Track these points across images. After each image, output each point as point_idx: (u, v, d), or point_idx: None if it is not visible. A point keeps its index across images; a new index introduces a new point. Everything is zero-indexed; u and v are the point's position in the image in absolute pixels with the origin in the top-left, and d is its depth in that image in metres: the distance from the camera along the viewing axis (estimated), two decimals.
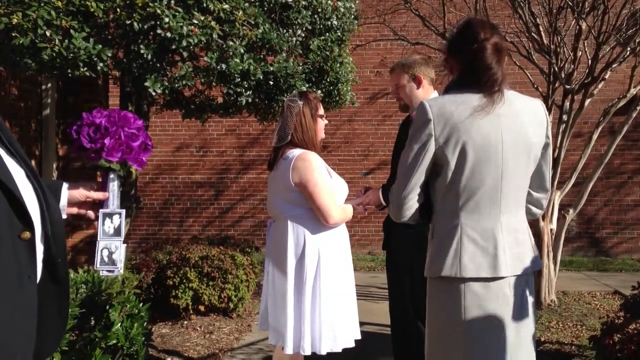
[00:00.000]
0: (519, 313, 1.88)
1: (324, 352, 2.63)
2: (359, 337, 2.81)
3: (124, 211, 1.71)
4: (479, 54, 1.85)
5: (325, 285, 2.65)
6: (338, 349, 2.68)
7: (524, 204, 1.99)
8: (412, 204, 1.92)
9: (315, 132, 2.79)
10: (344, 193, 2.84)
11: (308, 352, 2.62)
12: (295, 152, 2.70)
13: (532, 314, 1.94)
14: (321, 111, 2.84)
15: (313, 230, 2.69)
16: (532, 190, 2.02)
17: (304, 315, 2.62)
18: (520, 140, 1.89)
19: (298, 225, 2.70)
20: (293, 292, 2.66)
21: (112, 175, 1.69)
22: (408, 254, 2.99)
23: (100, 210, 1.68)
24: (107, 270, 1.72)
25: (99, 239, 1.69)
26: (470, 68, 1.88)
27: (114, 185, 1.69)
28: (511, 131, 1.87)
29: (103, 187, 1.68)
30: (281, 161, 2.73)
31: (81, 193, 1.62)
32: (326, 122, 2.88)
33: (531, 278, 1.97)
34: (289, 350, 2.64)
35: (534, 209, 2.07)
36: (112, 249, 1.71)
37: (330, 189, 2.70)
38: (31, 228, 1.25)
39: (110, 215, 1.69)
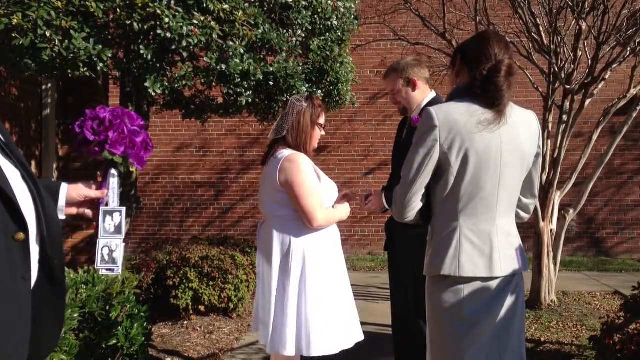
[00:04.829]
0: (511, 310, 2.00)
1: (313, 354, 2.61)
2: (361, 338, 2.79)
3: (124, 209, 1.71)
4: (494, 74, 1.94)
5: (311, 287, 2.63)
6: (334, 351, 2.66)
7: (515, 208, 2.11)
8: (415, 206, 2.02)
9: (311, 136, 2.78)
10: (332, 196, 2.82)
11: (291, 353, 2.61)
12: (284, 153, 2.71)
13: (522, 310, 2.07)
14: (322, 120, 2.83)
15: (299, 232, 2.67)
16: (522, 196, 2.14)
17: (286, 316, 2.61)
18: (516, 150, 2.00)
19: (284, 226, 2.69)
20: (276, 294, 2.65)
21: (112, 171, 1.69)
22: (410, 256, 2.99)
23: (101, 207, 1.68)
24: (107, 269, 1.72)
25: (99, 237, 1.69)
26: (482, 83, 1.96)
27: (114, 182, 1.69)
28: (510, 141, 1.98)
29: (103, 185, 1.68)
30: (272, 159, 2.74)
31: (79, 193, 1.62)
32: (323, 133, 2.87)
33: (521, 277, 2.10)
34: (268, 349, 2.66)
35: (522, 214, 2.20)
36: (112, 247, 1.71)
37: (317, 191, 2.68)
38: (25, 229, 1.25)
39: (110, 213, 1.69)
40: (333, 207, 2.82)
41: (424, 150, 1.95)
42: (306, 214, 2.64)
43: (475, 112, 1.94)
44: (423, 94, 3.10)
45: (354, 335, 2.76)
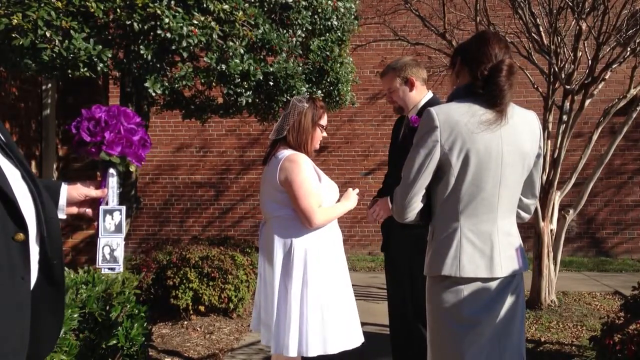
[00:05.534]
0: (511, 310, 2.00)
1: (314, 354, 2.62)
2: (361, 340, 2.78)
3: (124, 208, 1.71)
4: (495, 73, 1.94)
5: (313, 288, 2.64)
6: (333, 351, 2.66)
7: (515, 209, 2.11)
8: (416, 206, 2.02)
9: (312, 137, 2.78)
10: (333, 196, 2.83)
11: (293, 354, 2.62)
12: (285, 153, 2.72)
13: (522, 311, 2.07)
14: (323, 121, 2.84)
15: (300, 232, 2.67)
16: (522, 196, 2.14)
17: (289, 317, 2.62)
18: (517, 150, 2.00)
19: (285, 226, 2.69)
20: (278, 295, 2.65)
21: (111, 171, 1.69)
22: (408, 256, 2.99)
23: (101, 207, 1.68)
24: (109, 268, 1.72)
25: (100, 236, 1.69)
26: (483, 83, 1.96)
27: (113, 182, 1.69)
28: (510, 142, 1.98)
29: (102, 184, 1.68)
30: (273, 159, 2.75)
31: (80, 192, 1.62)
32: (325, 134, 2.87)
33: (521, 278, 2.10)
34: (272, 350, 2.67)
35: (523, 214, 2.20)
36: (113, 246, 1.71)
37: (316, 191, 2.68)
38: (25, 230, 1.24)
39: (110, 212, 1.69)
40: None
41: (424, 151, 1.95)
42: (304, 214, 2.64)
43: (476, 113, 1.94)
44: (420, 94, 3.10)
45: (354, 337, 2.76)
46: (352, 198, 2.87)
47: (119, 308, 2.90)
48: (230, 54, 3.74)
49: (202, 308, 4.83)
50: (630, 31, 5.12)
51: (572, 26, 5.62)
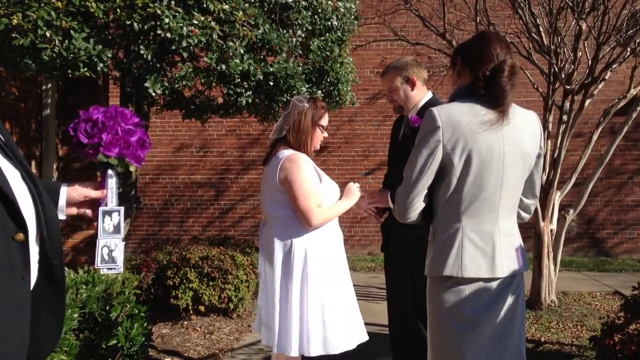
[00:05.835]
0: (511, 310, 2.01)
1: (312, 354, 2.62)
2: (365, 338, 2.79)
3: (122, 208, 1.71)
4: (497, 74, 1.94)
5: (313, 288, 2.64)
6: (334, 352, 2.67)
7: (516, 209, 2.11)
8: (418, 206, 2.02)
9: (311, 137, 2.78)
10: (334, 196, 2.82)
11: (295, 354, 2.62)
12: (285, 153, 2.72)
13: (522, 311, 2.08)
14: (324, 122, 2.83)
15: (300, 232, 2.67)
16: (523, 196, 2.14)
17: (290, 316, 2.62)
18: (518, 150, 2.00)
19: (285, 226, 2.69)
20: (279, 296, 2.66)
21: (110, 172, 1.69)
22: (409, 256, 2.99)
23: (100, 208, 1.68)
24: (108, 269, 1.72)
25: (99, 237, 1.69)
26: (485, 83, 1.96)
27: (112, 183, 1.69)
28: (511, 142, 1.98)
29: (101, 185, 1.68)
30: (273, 159, 2.75)
31: (79, 193, 1.62)
32: (326, 134, 2.87)
33: (522, 278, 2.11)
34: (274, 350, 2.66)
35: (523, 214, 2.21)
36: (111, 247, 1.71)
37: (316, 191, 2.68)
38: (25, 230, 1.25)
39: (109, 213, 1.69)
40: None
41: (426, 151, 1.95)
42: (303, 214, 2.64)
43: (479, 113, 1.94)
44: (420, 94, 3.10)
45: (357, 336, 2.76)
46: (353, 194, 2.85)
47: (119, 308, 2.90)
48: (230, 54, 3.74)
49: (202, 308, 4.83)
50: (630, 31, 5.12)
51: (572, 26, 5.62)
